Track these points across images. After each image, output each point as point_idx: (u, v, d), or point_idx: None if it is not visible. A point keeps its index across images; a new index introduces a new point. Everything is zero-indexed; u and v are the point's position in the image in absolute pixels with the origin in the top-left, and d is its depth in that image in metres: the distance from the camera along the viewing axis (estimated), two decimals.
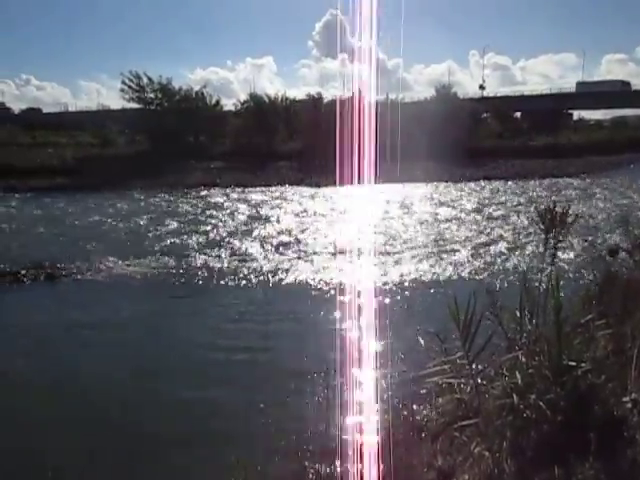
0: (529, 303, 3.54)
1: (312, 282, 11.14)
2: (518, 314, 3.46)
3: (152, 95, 45.64)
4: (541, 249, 4.37)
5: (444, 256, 13.18)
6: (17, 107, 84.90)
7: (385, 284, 10.72)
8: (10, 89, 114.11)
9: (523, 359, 3.06)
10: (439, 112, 39.42)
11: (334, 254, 13.49)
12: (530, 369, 2.96)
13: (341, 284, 10.53)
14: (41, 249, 14.42)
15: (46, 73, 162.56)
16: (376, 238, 15.11)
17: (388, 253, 13.54)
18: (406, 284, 10.83)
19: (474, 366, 2.82)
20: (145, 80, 45.43)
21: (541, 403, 2.69)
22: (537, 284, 3.83)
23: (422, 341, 3.62)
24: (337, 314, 8.46)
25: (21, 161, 34.43)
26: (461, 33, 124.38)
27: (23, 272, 11.73)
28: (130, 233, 17.10)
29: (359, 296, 9.27)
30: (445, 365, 2.84)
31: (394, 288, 10.53)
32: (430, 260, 12.82)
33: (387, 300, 9.72)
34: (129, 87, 45.39)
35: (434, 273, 11.67)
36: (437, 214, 19.98)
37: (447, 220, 18.63)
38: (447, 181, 31.06)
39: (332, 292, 10.28)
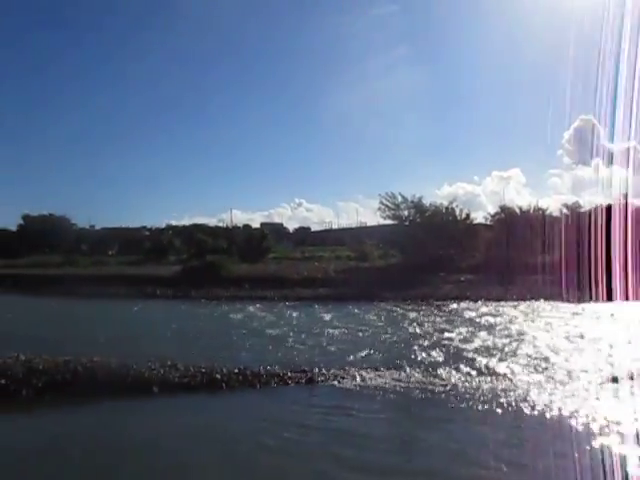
0: None
1: (577, 416, 9.66)
2: None
3: (406, 212, 48.57)
4: None
5: None
6: (291, 226, 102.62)
7: None
8: (286, 212, 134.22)
9: None
10: None
11: (606, 383, 11.83)
12: None
13: (619, 426, 9.03)
14: (302, 354, 15.94)
15: (313, 197, 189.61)
16: None
17: None
18: None
19: None
20: (399, 199, 48.83)
21: None
22: None
23: None
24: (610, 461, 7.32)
25: (292, 273, 39.69)
26: None
27: (289, 374, 13.03)
28: (381, 343, 17.74)
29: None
30: None
31: None
32: None
33: None
34: (385, 206, 49.21)
35: None
36: None
37: None
38: None
39: (605, 434, 8.79)
